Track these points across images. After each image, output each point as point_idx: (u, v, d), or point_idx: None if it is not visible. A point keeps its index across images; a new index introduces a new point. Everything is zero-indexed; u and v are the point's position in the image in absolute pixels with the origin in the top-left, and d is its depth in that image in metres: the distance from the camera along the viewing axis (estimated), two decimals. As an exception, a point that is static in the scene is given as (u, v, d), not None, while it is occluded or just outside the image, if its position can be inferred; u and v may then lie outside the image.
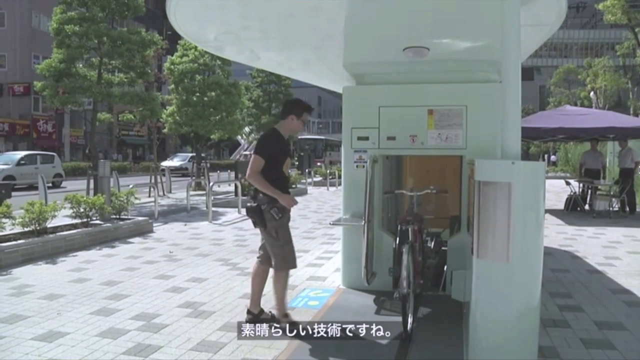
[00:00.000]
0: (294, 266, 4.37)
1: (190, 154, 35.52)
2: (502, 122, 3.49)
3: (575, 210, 13.46)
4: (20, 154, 23.04)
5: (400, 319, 4.03)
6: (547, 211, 11.04)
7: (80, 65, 14.77)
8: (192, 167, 23.15)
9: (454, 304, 4.64)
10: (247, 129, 32.95)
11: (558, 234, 9.65)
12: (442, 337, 4.22)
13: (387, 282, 5.39)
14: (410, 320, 4.13)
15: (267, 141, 4.39)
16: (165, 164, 33.21)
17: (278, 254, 4.28)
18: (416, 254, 4.57)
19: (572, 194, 13.72)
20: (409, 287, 4.08)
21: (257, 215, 4.24)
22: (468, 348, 3.65)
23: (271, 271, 4.45)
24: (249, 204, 4.33)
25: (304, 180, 22.49)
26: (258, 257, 4.56)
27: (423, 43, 4.65)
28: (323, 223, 11.13)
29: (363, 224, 4.77)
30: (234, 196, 14.57)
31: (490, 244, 3.31)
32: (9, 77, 37.40)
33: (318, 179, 25.95)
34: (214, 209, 12.21)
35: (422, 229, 4.98)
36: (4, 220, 7.27)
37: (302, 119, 4.48)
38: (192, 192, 15.26)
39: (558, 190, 16.63)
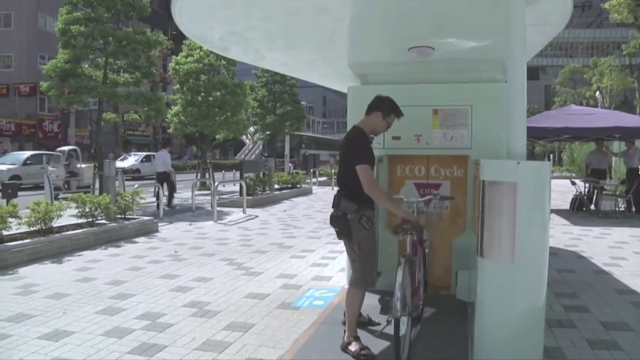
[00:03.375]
0: (372, 286, 3.92)
1: (146, 153, 33.39)
2: (507, 121, 3.49)
3: (580, 210, 13.42)
4: (26, 153, 23.14)
5: (405, 318, 3.99)
6: (552, 211, 11.01)
7: (86, 65, 14.83)
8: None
9: (458, 304, 4.63)
10: (252, 129, 32.98)
11: (564, 234, 9.62)
12: (447, 337, 4.21)
13: (392, 281, 5.38)
14: (405, 350, 3.60)
15: (367, 144, 3.89)
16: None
17: (357, 270, 3.88)
18: (415, 270, 4.09)
19: (577, 193, 13.68)
20: (404, 309, 3.52)
21: (342, 225, 3.81)
22: (473, 348, 3.65)
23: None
24: (333, 212, 3.89)
25: (308, 180, 22.51)
26: None
27: (428, 43, 4.64)
28: (328, 223, 11.12)
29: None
30: (238, 196, 14.59)
31: (496, 244, 3.31)
32: (15, 77, 37.58)
33: (323, 178, 25.99)
34: (218, 208, 12.23)
35: (423, 240, 4.52)
36: (10, 219, 7.30)
37: (388, 120, 4.05)
38: (197, 192, 15.30)
39: (564, 190, 16.59)
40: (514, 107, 3.42)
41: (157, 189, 13.52)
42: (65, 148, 20.96)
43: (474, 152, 5.17)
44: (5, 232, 7.25)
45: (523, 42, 3.40)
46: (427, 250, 4.70)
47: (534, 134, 12.25)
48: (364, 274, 3.85)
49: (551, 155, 39.88)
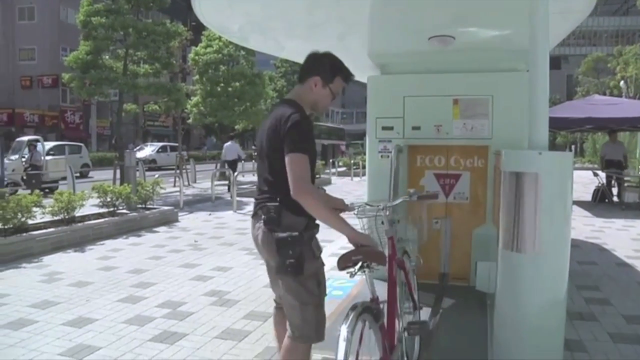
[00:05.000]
0: (323, 337, 2.67)
1: (162, 144, 33.45)
2: (529, 111, 3.44)
3: (603, 202, 13.23)
4: (50, 144, 23.44)
5: (424, 309, 3.95)
6: (574, 203, 10.89)
7: (107, 56, 15.00)
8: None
9: (478, 295, 4.60)
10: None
11: (585, 226, 9.50)
12: (465, 328, 4.20)
13: (411, 272, 5.39)
14: None
15: (308, 127, 2.54)
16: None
17: (310, 316, 2.61)
18: (383, 323, 2.74)
19: (599, 185, 13.48)
20: None
21: (298, 252, 2.47)
22: (492, 340, 3.63)
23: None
24: (279, 235, 2.48)
25: (327, 170, 22.51)
26: (277, 302, 2.98)
27: (448, 32, 4.60)
28: (347, 213, 11.13)
29: (387, 214, 4.75)
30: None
31: (517, 235, 3.27)
32: (39, 69, 38.12)
33: (342, 169, 25.98)
34: (238, 198, 12.29)
35: (409, 277, 3.32)
36: (34, 209, 7.43)
37: (331, 87, 2.70)
38: (216, 182, 15.40)
39: (585, 182, 16.36)
40: (536, 96, 3.37)
41: (229, 175, 15.20)
42: (25, 138, 18.81)
43: (495, 142, 5.13)
44: (30, 221, 7.37)
45: (546, 31, 3.34)
46: (413, 277, 3.47)
47: (555, 124, 12.08)
48: (319, 321, 2.66)
49: (572, 146, 39.33)
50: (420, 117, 5.39)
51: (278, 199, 2.52)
